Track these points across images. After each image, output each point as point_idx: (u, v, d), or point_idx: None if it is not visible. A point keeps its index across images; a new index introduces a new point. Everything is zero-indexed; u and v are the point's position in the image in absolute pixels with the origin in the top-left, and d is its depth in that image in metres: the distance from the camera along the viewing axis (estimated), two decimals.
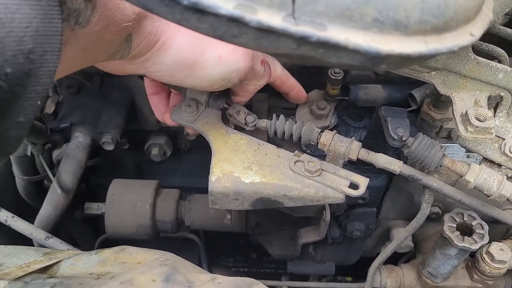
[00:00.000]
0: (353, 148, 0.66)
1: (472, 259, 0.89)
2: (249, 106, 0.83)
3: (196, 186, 1.09)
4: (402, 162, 0.68)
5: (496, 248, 0.82)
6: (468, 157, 0.86)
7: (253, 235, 1.05)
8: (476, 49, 0.69)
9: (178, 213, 0.97)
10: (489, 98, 0.67)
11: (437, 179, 0.71)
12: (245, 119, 0.71)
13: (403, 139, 0.68)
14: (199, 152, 1.19)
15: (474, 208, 0.73)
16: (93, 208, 1.01)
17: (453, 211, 0.81)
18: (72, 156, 0.96)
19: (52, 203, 0.92)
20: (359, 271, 1.13)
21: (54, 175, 0.94)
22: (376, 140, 0.79)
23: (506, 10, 0.65)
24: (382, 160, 0.67)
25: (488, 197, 0.65)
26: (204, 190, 0.74)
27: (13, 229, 0.82)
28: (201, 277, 0.51)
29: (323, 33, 0.31)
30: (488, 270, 0.84)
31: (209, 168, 0.65)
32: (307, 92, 0.88)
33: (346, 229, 0.96)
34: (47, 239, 0.80)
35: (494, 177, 0.65)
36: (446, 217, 0.80)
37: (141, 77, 0.84)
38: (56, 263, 0.56)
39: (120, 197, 0.95)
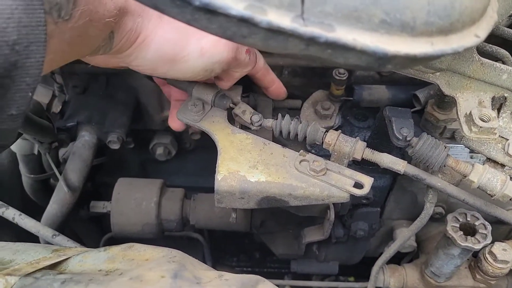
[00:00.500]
0: (358, 147, 0.67)
1: (475, 259, 0.90)
2: (254, 106, 0.83)
3: (201, 185, 1.10)
4: (406, 162, 0.68)
5: (499, 248, 0.82)
6: (471, 157, 0.86)
7: (257, 234, 1.05)
8: (481, 50, 0.69)
9: (183, 212, 0.97)
10: (493, 98, 0.68)
11: (441, 179, 0.72)
12: (250, 119, 0.72)
13: (408, 139, 0.68)
14: (204, 152, 1.20)
15: (477, 208, 0.73)
16: (99, 206, 1.02)
17: (456, 211, 0.82)
18: (78, 155, 0.97)
19: (58, 201, 0.92)
20: (362, 270, 1.13)
21: (60, 174, 0.95)
22: (380, 140, 0.80)
23: (511, 12, 0.65)
24: (387, 160, 0.68)
25: (492, 197, 0.66)
26: (209, 189, 0.75)
27: (20, 227, 0.83)
28: (208, 274, 0.52)
29: (332, 34, 0.32)
30: (491, 270, 0.84)
31: (214, 168, 0.65)
32: (312, 92, 0.89)
33: (350, 229, 0.96)
34: (54, 237, 0.80)
35: (498, 177, 0.65)
36: (449, 217, 0.80)
37: (148, 77, 0.85)
38: (65, 260, 0.57)
39: (126, 196, 0.96)
